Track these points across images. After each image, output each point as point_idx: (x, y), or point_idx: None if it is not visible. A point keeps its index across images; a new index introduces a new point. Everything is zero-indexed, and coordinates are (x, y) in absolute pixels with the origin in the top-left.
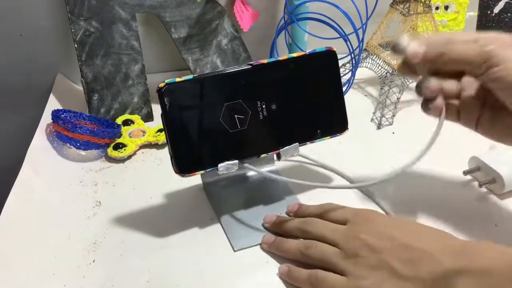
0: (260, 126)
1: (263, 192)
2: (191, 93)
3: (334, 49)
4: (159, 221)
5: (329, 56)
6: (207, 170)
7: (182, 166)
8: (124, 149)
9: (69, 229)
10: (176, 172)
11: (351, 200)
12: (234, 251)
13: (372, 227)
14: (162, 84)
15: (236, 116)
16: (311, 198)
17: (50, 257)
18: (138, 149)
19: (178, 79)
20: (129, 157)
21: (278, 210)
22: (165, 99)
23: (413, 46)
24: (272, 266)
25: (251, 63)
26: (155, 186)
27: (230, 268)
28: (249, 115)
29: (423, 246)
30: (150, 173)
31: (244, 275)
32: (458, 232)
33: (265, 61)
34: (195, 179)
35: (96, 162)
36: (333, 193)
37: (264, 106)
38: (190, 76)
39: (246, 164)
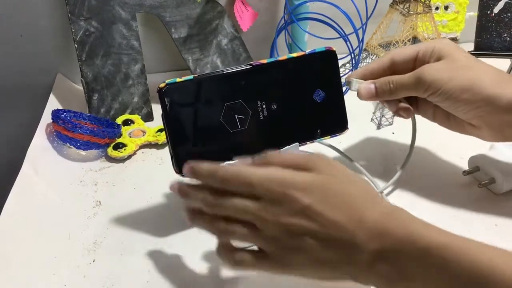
0: (261, 126)
1: None
2: (191, 93)
3: (334, 49)
4: (159, 221)
5: (329, 56)
6: None
7: (183, 166)
8: (124, 149)
9: (69, 229)
10: (176, 172)
11: None
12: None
13: (289, 206)
14: (162, 85)
15: (236, 116)
16: None
17: (50, 257)
18: (138, 149)
19: (178, 79)
20: (129, 157)
21: None
22: (165, 99)
23: (365, 86)
24: None
25: (251, 63)
26: (155, 186)
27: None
28: (249, 115)
29: (340, 223)
30: (150, 173)
31: (244, 274)
32: (458, 233)
33: (265, 61)
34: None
35: (96, 162)
36: None
37: (264, 106)
38: (191, 76)
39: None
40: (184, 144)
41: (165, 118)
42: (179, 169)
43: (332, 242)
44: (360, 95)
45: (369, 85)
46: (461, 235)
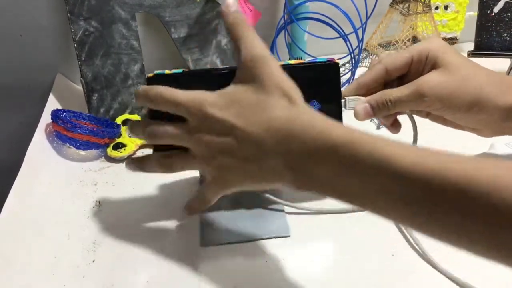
0: None
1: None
2: (179, 87)
3: (337, 61)
4: (158, 221)
5: (331, 68)
6: None
7: None
8: (124, 149)
9: (68, 229)
10: None
11: None
12: (200, 246)
13: (210, 125)
14: (151, 74)
15: None
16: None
17: (50, 257)
18: (137, 149)
19: (167, 71)
20: (129, 157)
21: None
22: None
23: (362, 108)
24: (273, 265)
25: None
26: (155, 186)
27: (231, 267)
28: None
29: (251, 134)
30: (149, 173)
31: (243, 276)
32: None
33: None
34: (195, 179)
35: (95, 162)
36: None
37: None
38: (180, 70)
39: None
40: None
41: (149, 109)
42: None
43: (251, 151)
44: (357, 116)
45: (365, 105)
46: (364, 132)
